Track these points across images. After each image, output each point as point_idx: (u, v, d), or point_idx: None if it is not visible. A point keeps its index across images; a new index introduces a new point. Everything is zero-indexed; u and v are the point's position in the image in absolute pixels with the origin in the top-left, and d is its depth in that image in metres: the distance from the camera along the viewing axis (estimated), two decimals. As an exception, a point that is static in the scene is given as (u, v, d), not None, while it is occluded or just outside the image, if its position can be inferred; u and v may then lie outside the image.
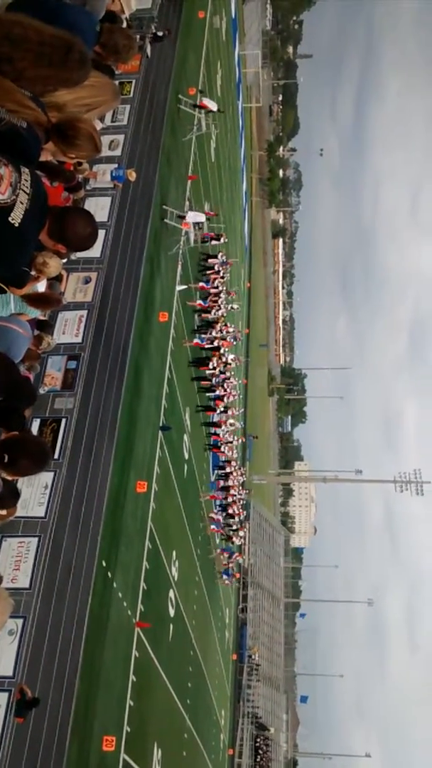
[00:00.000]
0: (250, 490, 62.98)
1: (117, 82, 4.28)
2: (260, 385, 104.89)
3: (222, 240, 31.02)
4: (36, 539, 12.12)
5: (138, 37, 18.94)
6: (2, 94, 3.05)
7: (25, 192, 2.97)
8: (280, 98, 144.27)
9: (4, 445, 4.11)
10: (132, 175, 17.30)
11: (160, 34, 20.97)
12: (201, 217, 26.07)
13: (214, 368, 27.61)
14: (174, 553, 22.02)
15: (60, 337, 14.46)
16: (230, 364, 32.86)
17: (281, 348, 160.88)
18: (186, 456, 25.55)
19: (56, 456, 13.14)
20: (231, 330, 32.32)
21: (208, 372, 28.05)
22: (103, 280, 16.06)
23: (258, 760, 57.68)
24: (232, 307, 33.92)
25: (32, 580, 11.73)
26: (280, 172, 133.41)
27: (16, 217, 2.93)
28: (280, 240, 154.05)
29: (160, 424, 19.96)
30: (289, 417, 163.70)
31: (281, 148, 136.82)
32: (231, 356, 32.10)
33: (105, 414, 15.13)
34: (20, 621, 11.15)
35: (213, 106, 29.72)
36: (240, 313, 51.31)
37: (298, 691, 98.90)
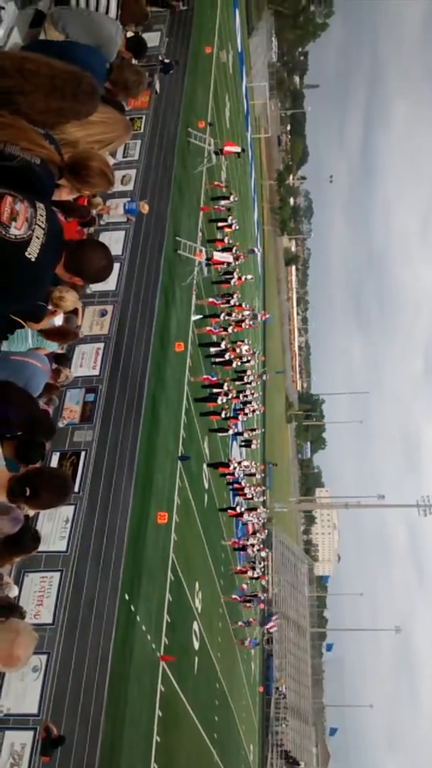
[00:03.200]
0: (271, 519, 62.53)
1: (128, 118, 4.35)
2: (278, 411, 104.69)
3: (232, 198, 30.98)
4: (58, 574, 12.06)
5: (147, 73, 19.30)
6: (17, 133, 3.11)
7: (40, 227, 3.01)
8: (289, 128, 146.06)
9: (25, 478, 4.11)
10: (145, 208, 17.51)
11: (167, 61, 21.35)
12: (229, 258, 26.26)
13: (226, 395, 26.31)
14: (197, 584, 21.83)
15: (77, 370, 14.53)
16: (247, 363, 32.31)
17: (298, 374, 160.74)
18: (206, 485, 25.45)
19: (76, 489, 13.13)
20: (246, 312, 32.00)
21: (220, 401, 26.48)
22: (119, 312, 16.20)
23: (289, 796, 56.47)
24: (246, 278, 33.50)
25: (55, 616, 11.65)
26: (291, 201, 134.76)
27: (32, 252, 2.96)
28: (293, 267, 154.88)
29: (179, 454, 19.93)
30: (309, 443, 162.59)
31: (291, 177, 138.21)
32: (245, 347, 31.54)
33: (124, 445, 15.13)
34: (44, 657, 11.05)
35: (236, 149, 30.15)
36: (256, 338, 51.41)
37: (327, 723, 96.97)
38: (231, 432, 30.47)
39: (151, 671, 15.62)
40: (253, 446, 41.37)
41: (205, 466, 25.34)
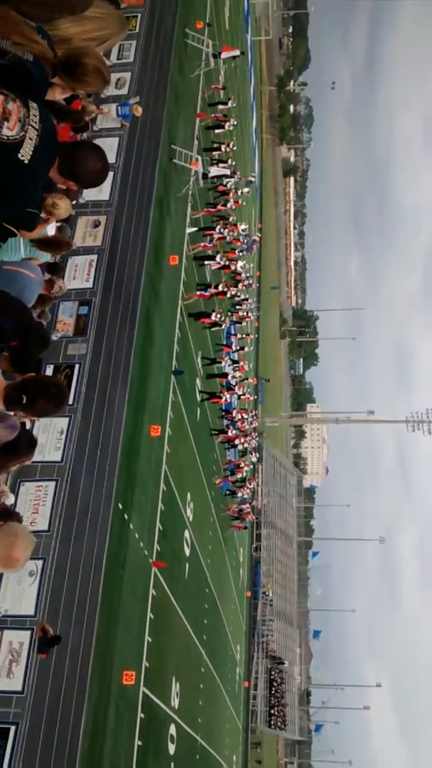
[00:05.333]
0: (262, 433, 63.44)
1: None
2: (272, 327, 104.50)
3: (230, 103, 30.60)
4: (53, 483, 12.29)
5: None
6: (8, 26, 2.94)
7: (34, 127, 2.87)
8: (291, 30, 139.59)
9: (22, 386, 4.10)
10: (138, 110, 16.81)
11: None
12: (226, 172, 25.53)
13: (219, 317, 25.91)
14: (188, 495, 22.33)
15: (71, 283, 14.37)
16: (241, 278, 32.08)
17: (293, 290, 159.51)
18: (199, 399, 25.65)
19: (71, 401, 13.22)
20: (242, 228, 31.34)
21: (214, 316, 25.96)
22: (112, 223, 15.87)
23: (273, 691, 59.63)
24: (242, 192, 32.63)
25: (51, 523, 11.95)
26: (291, 108, 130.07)
27: (25, 153, 2.84)
28: (292, 178, 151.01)
29: (173, 369, 19.98)
30: (301, 359, 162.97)
31: (292, 83, 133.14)
32: (240, 263, 31.11)
33: (118, 359, 15.13)
34: (40, 562, 11.40)
35: (234, 53, 28.88)
36: (252, 258, 50.49)
37: (311, 626, 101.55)
38: (224, 363, 30.22)
39: (144, 576, 16.16)
40: (246, 349, 40.65)
41: (198, 380, 25.42)
